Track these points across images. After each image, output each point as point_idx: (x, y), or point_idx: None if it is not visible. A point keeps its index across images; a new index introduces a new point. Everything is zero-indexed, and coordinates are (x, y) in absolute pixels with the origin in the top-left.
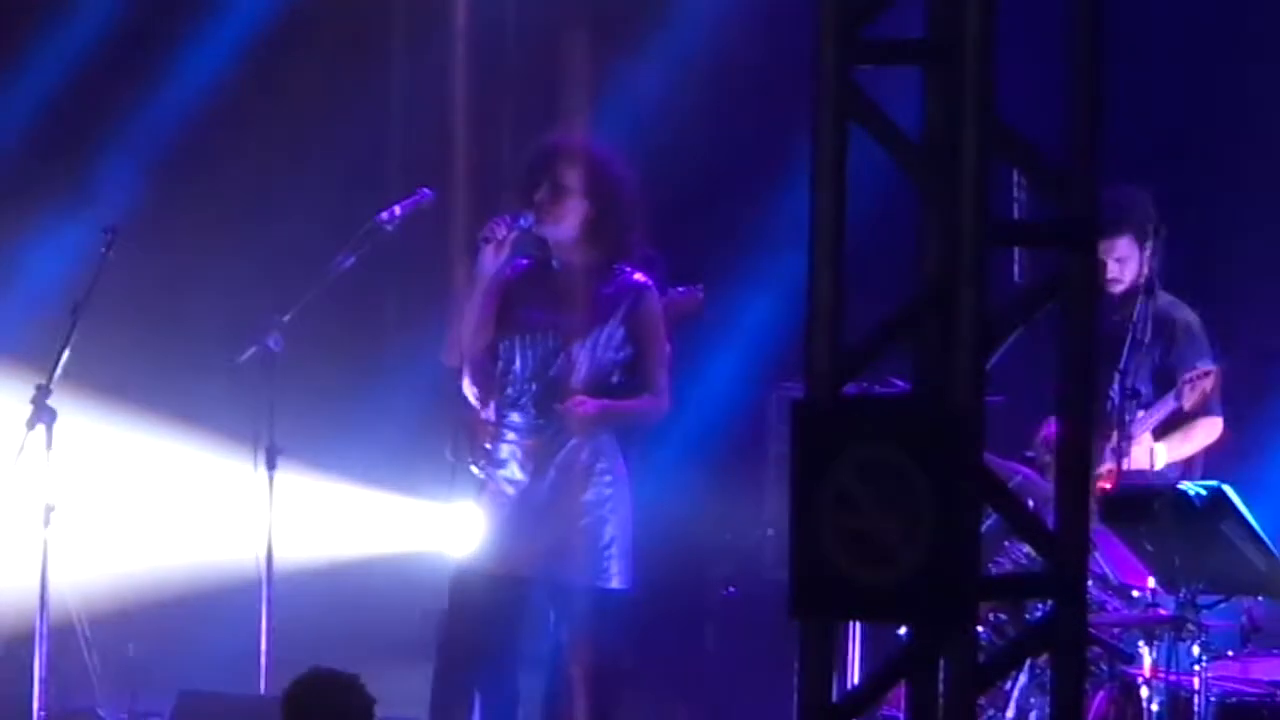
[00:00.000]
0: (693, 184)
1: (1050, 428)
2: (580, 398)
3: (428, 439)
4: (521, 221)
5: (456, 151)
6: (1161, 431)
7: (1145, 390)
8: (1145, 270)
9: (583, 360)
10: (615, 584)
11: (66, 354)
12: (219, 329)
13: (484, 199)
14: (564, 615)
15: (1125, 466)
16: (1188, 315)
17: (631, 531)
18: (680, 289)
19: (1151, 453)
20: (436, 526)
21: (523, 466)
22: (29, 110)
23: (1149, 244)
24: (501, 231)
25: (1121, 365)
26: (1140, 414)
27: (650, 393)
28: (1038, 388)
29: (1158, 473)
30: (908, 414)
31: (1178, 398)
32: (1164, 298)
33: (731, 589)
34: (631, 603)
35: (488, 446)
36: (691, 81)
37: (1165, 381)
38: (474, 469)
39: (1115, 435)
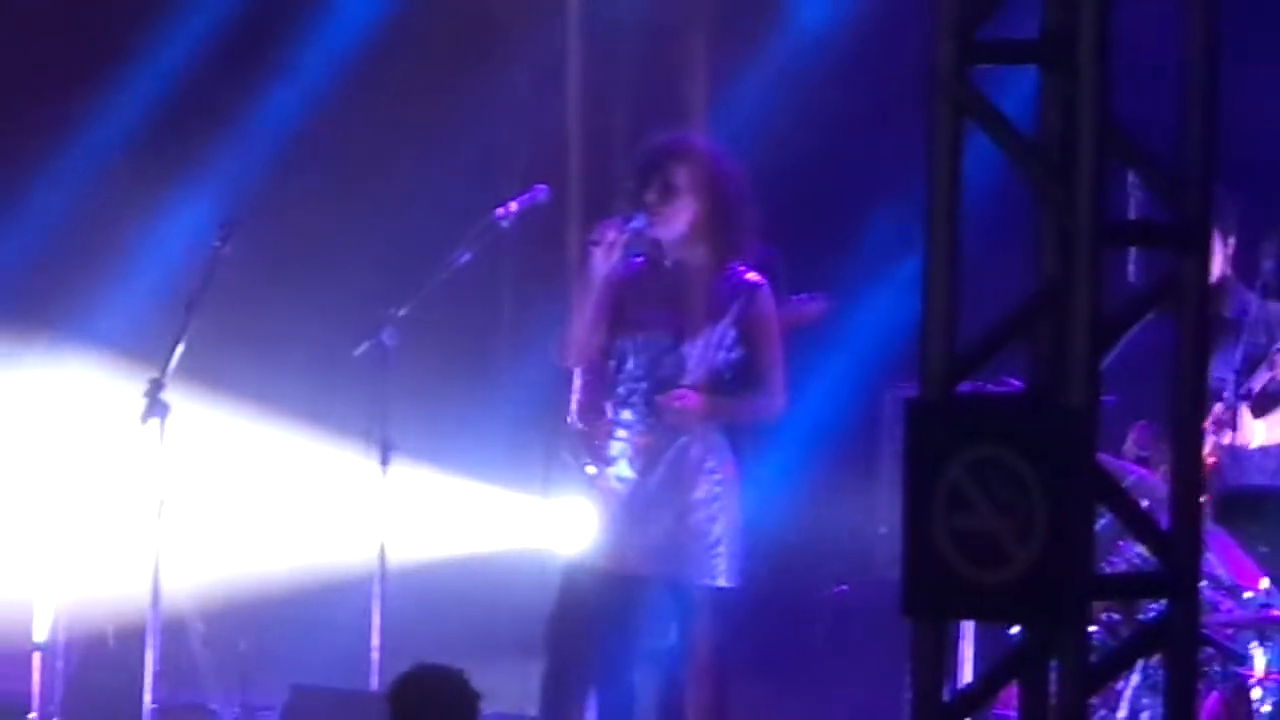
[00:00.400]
0: (808, 183)
1: (1141, 428)
2: (682, 391)
3: (540, 436)
4: (633, 223)
5: (572, 148)
6: (1259, 410)
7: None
8: (1227, 268)
9: (694, 359)
10: (723, 582)
11: (180, 348)
12: (333, 323)
13: (600, 197)
14: (673, 612)
15: (1229, 441)
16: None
17: (740, 530)
18: (802, 297)
19: (1250, 429)
20: (546, 523)
21: (633, 464)
22: (145, 104)
23: (1230, 240)
24: (611, 235)
25: (1224, 362)
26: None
27: (763, 392)
28: (1147, 388)
29: (1255, 464)
30: (1022, 414)
31: (1271, 367)
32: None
33: (843, 587)
34: (738, 600)
35: (600, 445)
36: (806, 82)
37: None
38: (589, 469)
39: (1213, 423)
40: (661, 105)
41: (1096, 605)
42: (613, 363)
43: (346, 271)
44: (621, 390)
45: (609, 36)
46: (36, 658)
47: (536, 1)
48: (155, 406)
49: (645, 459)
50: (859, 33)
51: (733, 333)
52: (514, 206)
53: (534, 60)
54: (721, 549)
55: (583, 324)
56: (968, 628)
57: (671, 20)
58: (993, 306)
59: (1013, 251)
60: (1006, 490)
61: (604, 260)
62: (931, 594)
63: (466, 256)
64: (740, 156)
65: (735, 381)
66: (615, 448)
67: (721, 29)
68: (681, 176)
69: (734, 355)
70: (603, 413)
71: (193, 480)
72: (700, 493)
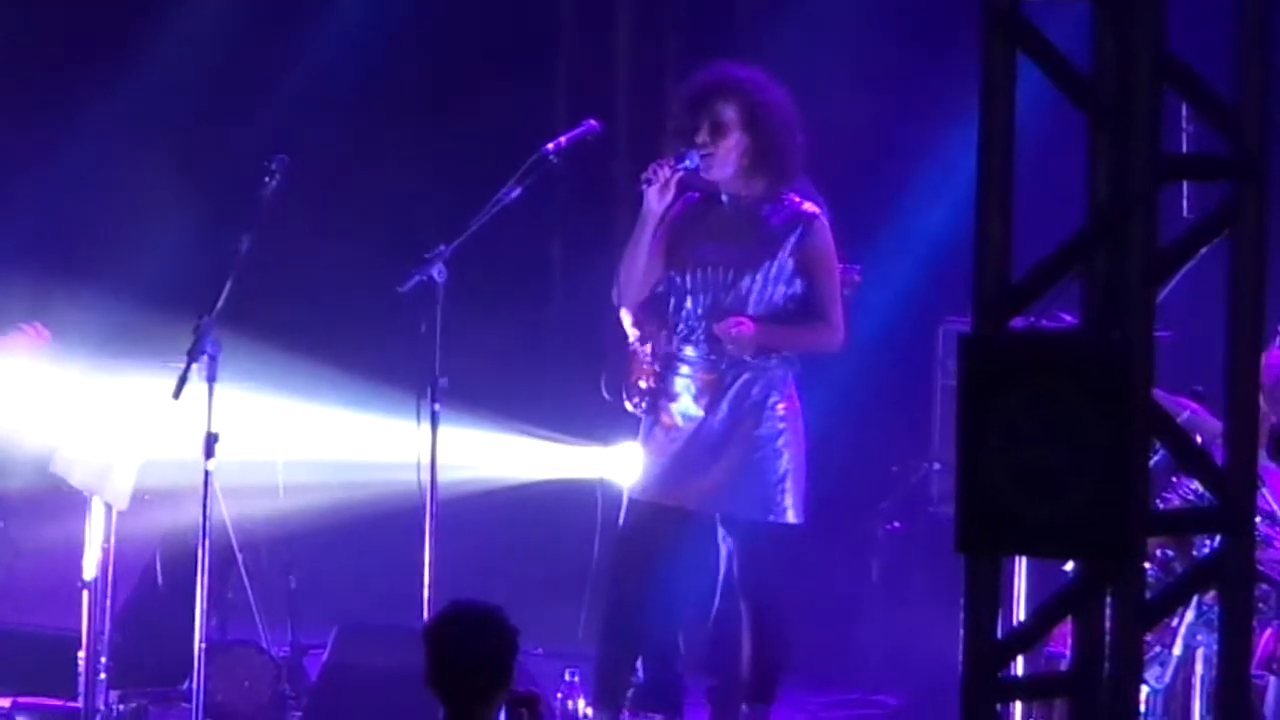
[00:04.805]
0: (862, 112)
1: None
2: (738, 318)
3: (589, 372)
4: (687, 162)
5: (623, 83)
6: None
7: None
8: None
9: (754, 293)
10: (787, 518)
11: (229, 285)
12: (382, 259)
13: (650, 131)
14: (734, 548)
15: None
16: None
17: (805, 466)
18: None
19: None
20: (597, 461)
21: (696, 400)
22: (212, 38)
23: None
24: (665, 174)
25: None
26: None
27: (821, 323)
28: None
29: None
30: (1076, 349)
31: None
32: None
33: (897, 523)
34: (802, 537)
35: (642, 385)
36: (860, 13)
37: None
38: (629, 406)
39: None
40: (710, 37)
41: (1151, 541)
42: (672, 300)
43: (396, 206)
44: (682, 327)
45: None
46: (85, 596)
47: None
48: (204, 342)
49: (709, 396)
50: None
51: (790, 264)
52: (564, 141)
53: None
54: (785, 485)
55: (638, 263)
56: (1021, 564)
57: None
58: (1048, 239)
59: (1068, 184)
60: (1061, 425)
61: (658, 199)
62: (986, 529)
63: (516, 192)
64: (794, 86)
65: (796, 315)
66: (678, 384)
67: None
68: (729, 113)
69: (793, 289)
70: (657, 345)
71: (242, 416)
72: (763, 429)
